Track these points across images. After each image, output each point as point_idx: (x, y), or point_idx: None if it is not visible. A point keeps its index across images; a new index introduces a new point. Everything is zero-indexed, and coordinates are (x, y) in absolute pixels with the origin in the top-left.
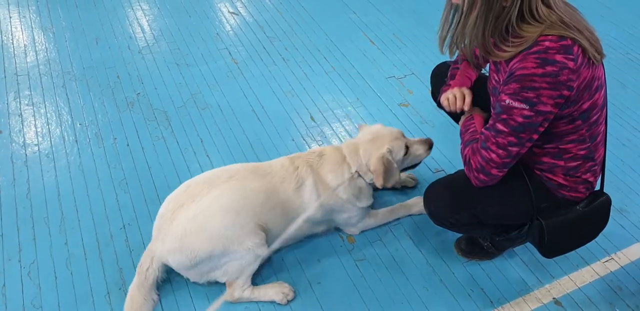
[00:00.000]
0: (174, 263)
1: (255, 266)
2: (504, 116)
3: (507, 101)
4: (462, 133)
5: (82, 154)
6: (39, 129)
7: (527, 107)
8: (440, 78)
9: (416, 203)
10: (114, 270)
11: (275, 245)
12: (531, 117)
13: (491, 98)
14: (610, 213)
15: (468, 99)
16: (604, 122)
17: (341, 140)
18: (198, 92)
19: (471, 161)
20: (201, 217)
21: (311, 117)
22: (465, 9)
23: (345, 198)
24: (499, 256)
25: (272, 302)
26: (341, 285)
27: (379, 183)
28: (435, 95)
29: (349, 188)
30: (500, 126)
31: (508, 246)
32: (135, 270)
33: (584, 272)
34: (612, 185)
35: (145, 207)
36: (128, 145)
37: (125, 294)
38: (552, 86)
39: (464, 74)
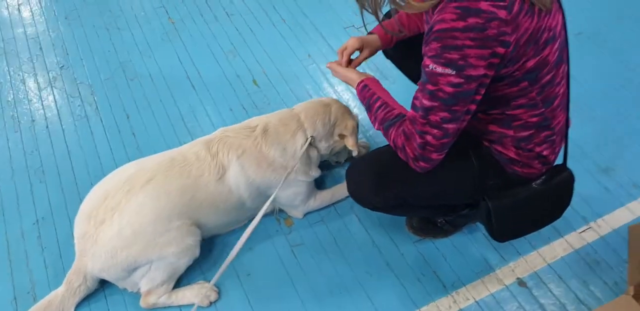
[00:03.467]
0: (111, 279)
1: (183, 269)
2: (430, 86)
3: (430, 66)
4: (367, 109)
5: None
6: None
7: (454, 72)
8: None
9: None
10: (23, 272)
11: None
12: (461, 85)
13: None
14: (594, 175)
15: (357, 61)
16: (563, 82)
17: (288, 106)
18: (128, 60)
19: (407, 148)
20: (128, 230)
21: (254, 81)
22: None
23: (296, 170)
24: (457, 232)
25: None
26: (273, 276)
27: (352, 144)
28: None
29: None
30: (427, 101)
31: (465, 223)
32: (46, 271)
33: (556, 246)
34: (601, 137)
35: (62, 198)
36: (47, 127)
37: (34, 299)
38: (479, 43)
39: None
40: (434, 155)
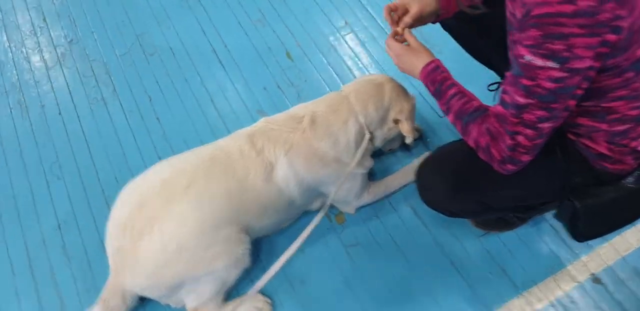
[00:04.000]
0: (153, 297)
1: (233, 282)
2: (526, 81)
3: (526, 57)
4: (437, 94)
5: (2, 131)
6: None
7: (557, 66)
8: None
9: None
10: (49, 287)
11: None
12: (564, 80)
13: (508, 39)
14: None
15: (407, 18)
16: None
17: (326, 83)
18: (145, 31)
19: (492, 150)
20: (171, 245)
21: (287, 54)
22: None
23: (350, 162)
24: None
25: None
26: (330, 282)
27: (408, 131)
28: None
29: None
30: (521, 98)
31: (533, 215)
32: (75, 285)
33: (630, 235)
34: None
35: (84, 196)
36: (60, 113)
37: None
38: (589, 31)
39: None
40: (524, 157)
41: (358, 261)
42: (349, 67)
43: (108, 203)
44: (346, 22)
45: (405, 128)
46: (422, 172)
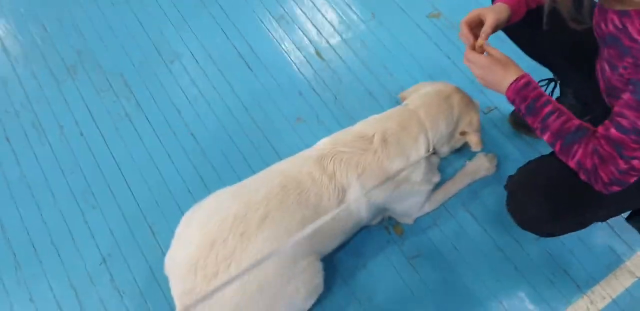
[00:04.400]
0: None
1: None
2: None
3: None
4: (530, 112)
5: (21, 159)
6: None
7: None
8: None
9: (480, 164)
10: None
11: None
12: None
13: (604, 52)
14: None
15: (488, 28)
16: None
17: (362, 83)
18: (160, 37)
19: (600, 172)
20: (252, 285)
21: (317, 52)
22: None
23: (419, 181)
24: None
25: None
26: (398, 297)
27: (477, 143)
28: None
29: (424, 166)
30: None
31: None
32: None
33: None
34: None
35: (125, 225)
36: (82, 134)
37: None
38: None
39: None
40: (632, 179)
41: (422, 272)
42: (384, 65)
43: (153, 231)
44: (373, 14)
45: (475, 141)
46: (514, 196)
